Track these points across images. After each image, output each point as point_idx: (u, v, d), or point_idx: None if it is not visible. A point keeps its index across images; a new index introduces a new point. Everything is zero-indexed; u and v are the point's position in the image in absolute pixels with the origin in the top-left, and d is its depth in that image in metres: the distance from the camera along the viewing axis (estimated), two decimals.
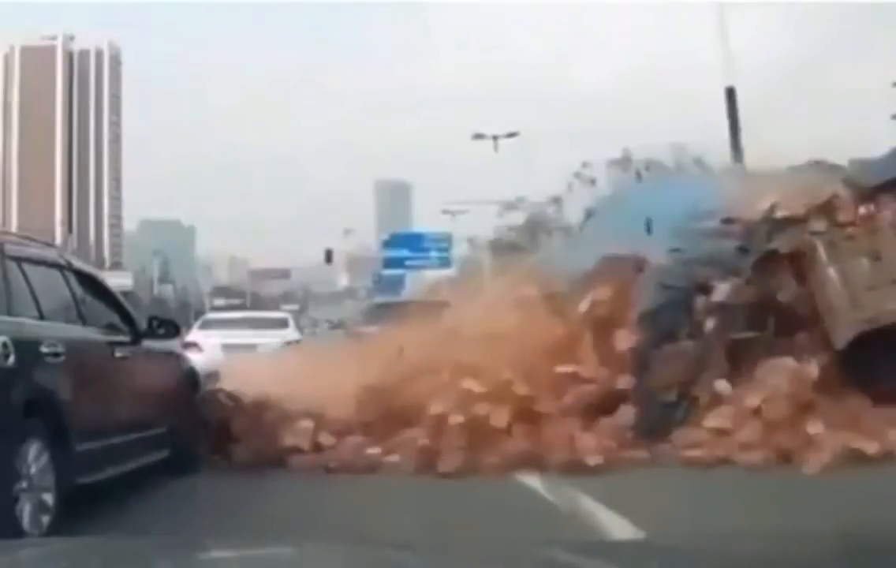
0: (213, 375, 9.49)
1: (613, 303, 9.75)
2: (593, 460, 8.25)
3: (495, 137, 45.80)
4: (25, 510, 5.73)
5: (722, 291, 9.39)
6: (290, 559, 2.48)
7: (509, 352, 9.31)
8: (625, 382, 9.16)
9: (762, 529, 5.05)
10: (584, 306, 9.73)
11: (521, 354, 9.28)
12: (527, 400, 8.90)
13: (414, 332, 10.81)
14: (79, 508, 6.14)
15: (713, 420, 8.74)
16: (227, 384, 9.69)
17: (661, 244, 10.15)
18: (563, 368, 9.23)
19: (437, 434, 8.61)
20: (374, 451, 8.74)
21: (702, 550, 2.46)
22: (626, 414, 8.99)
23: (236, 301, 72.67)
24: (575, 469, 8.03)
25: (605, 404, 9.03)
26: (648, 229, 10.69)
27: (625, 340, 9.39)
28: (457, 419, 8.63)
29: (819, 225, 9.41)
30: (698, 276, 9.57)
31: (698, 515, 6.40)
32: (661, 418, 8.95)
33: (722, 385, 8.97)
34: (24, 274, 6.47)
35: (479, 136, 46.01)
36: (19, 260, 6.51)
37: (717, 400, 8.91)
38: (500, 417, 8.68)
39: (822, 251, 9.24)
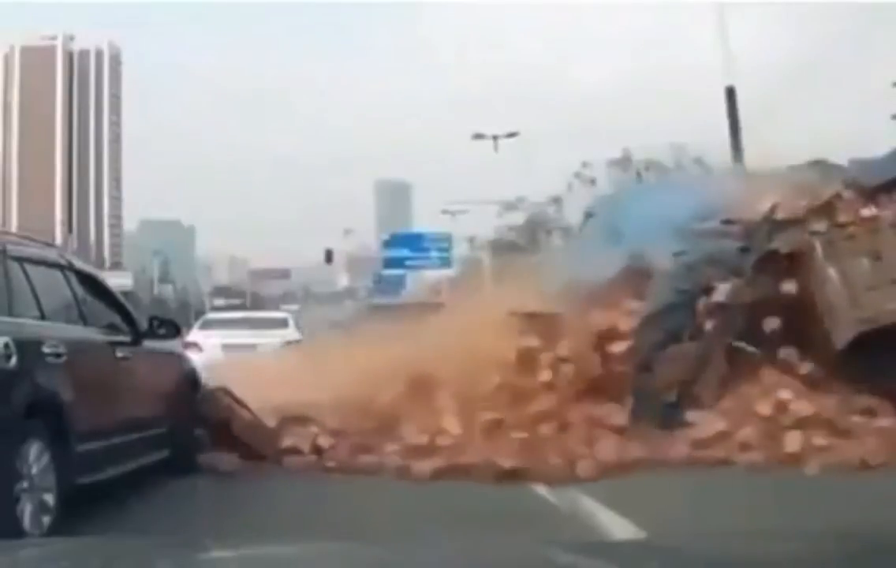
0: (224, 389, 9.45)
1: (584, 357, 9.29)
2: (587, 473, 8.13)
3: (495, 137, 45.82)
4: (26, 510, 5.73)
5: (722, 291, 9.40)
6: (290, 559, 2.48)
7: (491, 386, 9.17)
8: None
9: (762, 529, 5.04)
10: (545, 375, 9.15)
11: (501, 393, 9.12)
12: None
13: (403, 338, 10.81)
14: (79, 508, 6.14)
15: (714, 422, 8.74)
16: (227, 384, 9.69)
17: (663, 246, 10.14)
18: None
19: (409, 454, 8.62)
20: (369, 454, 8.75)
21: (702, 550, 2.46)
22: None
23: (236, 301, 72.61)
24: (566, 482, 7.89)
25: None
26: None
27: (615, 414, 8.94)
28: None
29: (819, 225, 9.41)
30: (702, 279, 9.57)
31: (698, 516, 6.41)
32: (662, 418, 8.95)
33: (693, 415, 8.90)
34: (25, 274, 6.47)
35: (479, 136, 46.02)
36: (20, 260, 6.52)
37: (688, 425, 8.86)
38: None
39: (822, 251, 9.24)
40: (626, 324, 9.50)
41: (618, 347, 9.35)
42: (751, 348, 9.17)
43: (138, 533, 5.71)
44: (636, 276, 9.97)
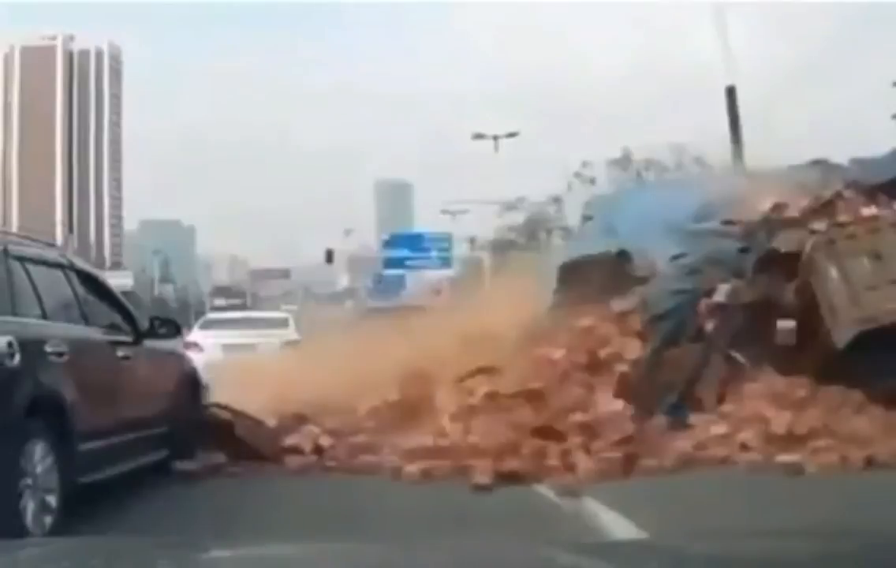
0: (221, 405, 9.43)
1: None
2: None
3: (495, 137, 45.89)
4: (29, 508, 5.74)
5: (722, 291, 9.40)
6: (290, 559, 2.49)
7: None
8: None
9: (762, 529, 5.04)
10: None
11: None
12: None
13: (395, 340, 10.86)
14: (80, 507, 6.15)
15: (716, 424, 8.73)
16: (227, 383, 9.73)
17: (662, 247, 10.14)
18: None
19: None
20: (369, 454, 8.76)
21: (702, 550, 2.46)
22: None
23: (236, 301, 72.56)
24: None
25: None
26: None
27: None
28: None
29: (820, 225, 9.41)
30: (703, 280, 9.57)
31: (699, 516, 6.40)
32: (666, 420, 8.94)
33: (694, 417, 8.88)
34: (27, 274, 6.48)
35: (479, 136, 46.09)
36: (22, 260, 6.53)
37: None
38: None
39: (822, 251, 9.23)
40: (612, 329, 9.54)
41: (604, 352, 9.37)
42: (740, 358, 9.16)
43: (139, 533, 5.71)
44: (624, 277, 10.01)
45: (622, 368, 9.38)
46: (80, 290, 7.30)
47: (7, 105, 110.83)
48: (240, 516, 6.93)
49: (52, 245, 8.98)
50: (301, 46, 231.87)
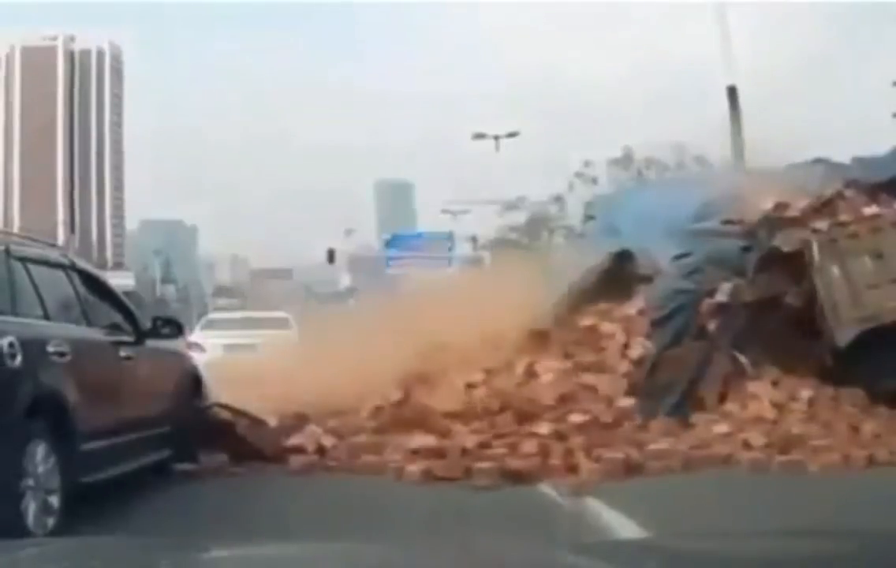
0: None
1: None
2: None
3: (496, 137, 45.84)
4: (30, 509, 5.75)
5: (724, 290, 9.40)
6: (290, 559, 2.49)
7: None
8: None
9: (762, 530, 5.04)
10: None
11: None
12: None
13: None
14: (81, 507, 6.14)
15: (718, 423, 8.73)
16: (228, 383, 9.73)
17: (663, 246, 10.14)
18: None
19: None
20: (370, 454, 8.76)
21: (702, 550, 2.46)
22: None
23: (237, 301, 72.55)
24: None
25: None
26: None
27: None
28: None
29: (821, 224, 9.40)
30: (706, 280, 9.57)
31: (700, 516, 6.40)
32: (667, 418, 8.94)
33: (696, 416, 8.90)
34: (28, 274, 6.48)
35: (479, 136, 46.05)
36: (24, 260, 6.53)
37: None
38: None
39: (824, 250, 9.23)
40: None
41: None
42: (742, 358, 9.16)
43: (140, 532, 5.71)
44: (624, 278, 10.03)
45: (625, 367, 9.40)
46: (82, 290, 7.30)
47: (8, 105, 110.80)
48: (241, 517, 6.93)
49: (53, 245, 8.98)
50: (301, 46, 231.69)
